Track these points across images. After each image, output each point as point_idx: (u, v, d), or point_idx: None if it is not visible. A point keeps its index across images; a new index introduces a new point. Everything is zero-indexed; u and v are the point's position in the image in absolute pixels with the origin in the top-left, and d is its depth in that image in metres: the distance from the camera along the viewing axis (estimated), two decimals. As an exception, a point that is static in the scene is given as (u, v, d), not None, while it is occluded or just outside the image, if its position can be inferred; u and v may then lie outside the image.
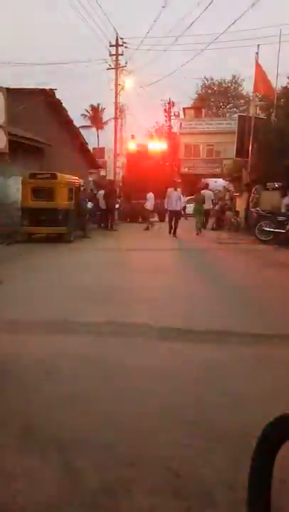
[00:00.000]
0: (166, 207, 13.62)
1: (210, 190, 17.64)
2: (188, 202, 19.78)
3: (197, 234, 13.92)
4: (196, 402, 2.67)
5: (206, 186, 17.79)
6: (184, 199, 23.00)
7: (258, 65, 14.76)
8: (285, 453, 0.74)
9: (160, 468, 1.99)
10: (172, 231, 13.09)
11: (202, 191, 16.00)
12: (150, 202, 16.07)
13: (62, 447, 2.15)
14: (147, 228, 15.56)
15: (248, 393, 2.80)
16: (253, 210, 13.23)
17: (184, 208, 22.73)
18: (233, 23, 32.66)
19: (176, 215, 13.24)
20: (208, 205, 15.89)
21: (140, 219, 19.39)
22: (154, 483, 1.89)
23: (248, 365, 3.33)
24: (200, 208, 14.76)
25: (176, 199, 13.20)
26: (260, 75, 14.91)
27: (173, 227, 13.07)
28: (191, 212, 17.10)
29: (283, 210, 12.53)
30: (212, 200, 16.86)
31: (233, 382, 2.97)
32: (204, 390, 2.87)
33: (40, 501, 1.78)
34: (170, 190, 13.46)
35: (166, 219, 14.48)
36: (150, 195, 16.18)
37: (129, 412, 2.53)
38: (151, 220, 16.38)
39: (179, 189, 13.88)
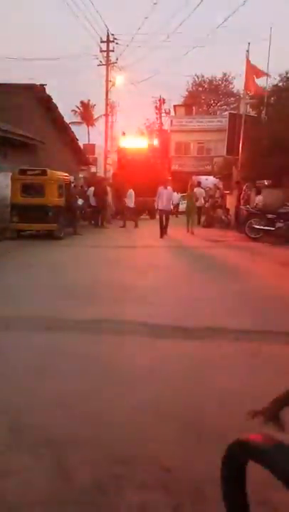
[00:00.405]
0: (156, 206, 13.17)
1: (201, 187, 17.84)
2: (182, 199, 19.90)
3: (188, 231, 13.65)
4: (188, 399, 2.69)
5: (199, 184, 17.92)
6: (178, 196, 23.20)
7: (248, 63, 14.82)
8: (263, 474, 0.74)
9: (151, 465, 2.00)
10: (162, 231, 12.46)
11: (195, 189, 16.04)
12: (130, 199, 16.08)
13: (54, 445, 2.14)
14: (123, 226, 15.61)
15: (240, 390, 2.82)
16: (243, 207, 13.33)
17: (178, 205, 22.96)
18: (224, 21, 32.54)
19: (167, 214, 12.70)
20: (200, 203, 16.20)
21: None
22: (145, 480, 1.90)
23: (240, 362, 3.36)
24: (192, 206, 14.39)
25: (167, 197, 12.74)
26: (251, 71, 14.96)
27: (164, 226, 12.55)
28: (184, 210, 17.13)
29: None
30: (203, 198, 17.10)
31: (226, 379, 2.99)
32: (196, 387, 2.89)
33: (32, 499, 1.77)
34: (161, 188, 12.79)
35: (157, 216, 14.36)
36: (130, 193, 16.21)
37: (120, 410, 2.53)
38: (140, 217, 16.43)
39: (169, 187, 13.11)
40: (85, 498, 1.78)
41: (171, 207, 13.15)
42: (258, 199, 13.69)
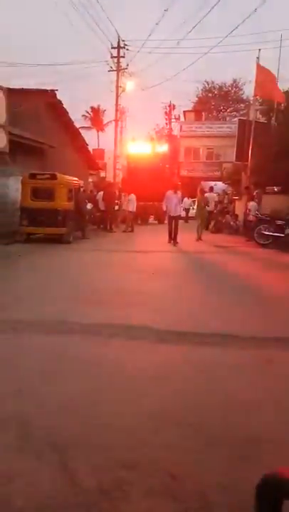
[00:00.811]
0: (164, 209, 12.70)
1: (213, 192, 17.94)
2: (193, 204, 19.80)
3: (197, 240, 12.85)
4: (195, 405, 2.68)
5: (211, 189, 17.96)
6: (189, 201, 23.15)
7: (259, 69, 14.81)
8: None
9: (157, 471, 1.99)
10: (172, 238, 11.89)
11: (206, 194, 15.96)
12: (132, 204, 16.18)
13: (60, 449, 2.15)
14: (125, 230, 15.74)
15: (246, 397, 2.81)
16: (252, 213, 13.27)
17: (188, 210, 22.60)
18: (235, 28, 32.74)
19: (176, 220, 12.02)
20: (211, 208, 16.10)
21: (139, 221, 19.43)
22: (151, 485, 1.89)
23: (248, 368, 3.33)
24: (202, 212, 13.67)
25: (177, 203, 12.09)
26: (267, 78, 14.85)
27: (173, 233, 11.92)
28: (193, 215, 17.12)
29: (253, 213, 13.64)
30: (214, 202, 17.10)
31: (232, 385, 2.97)
32: (203, 392, 2.87)
33: (38, 502, 1.77)
34: (169, 192, 12.05)
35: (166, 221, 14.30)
36: (132, 197, 16.34)
37: (127, 414, 2.53)
38: (149, 221, 16.49)
39: (179, 192, 12.37)
40: (90, 503, 1.78)
41: (181, 213, 12.86)
42: (251, 205, 13.81)
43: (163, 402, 2.68)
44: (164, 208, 12.57)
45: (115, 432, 2.34)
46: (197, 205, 14.09)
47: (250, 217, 13.73)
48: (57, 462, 2.04)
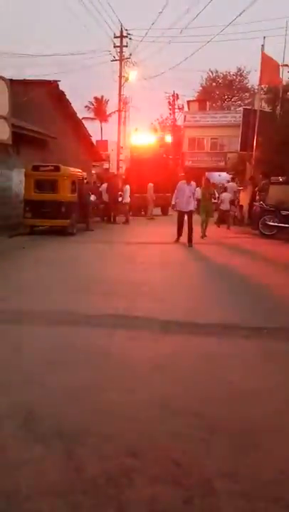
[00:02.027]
0: (173, 203, 10.34)
1: (213, 183, 17.50)
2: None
3: (202, 237, 11.22)
4: (198, 394, 2.69)
5: (233, 179, 17.57)
6: (200, 191, 21.25)
7: (264, 58, 14.62)
8: None
9: (162, 458, 2.01)
10: (180, 236, 10.10)
11: (227, 184, 15.50)
12: (126, 195, 16.16)
13: (65, 437, 2.17)
14: (124, 222, 15.62)
15: (250, 386, 2.82)
16: (256, 204, 13.19)
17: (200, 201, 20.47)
18: (239, 15, 32.23)
19: (189, 216, 9.90)
20: (232, 197, 15.17)
21: (142, 212, 19.39)
22: (156, 473, 1.91)
23: (251, 358, 3.34)
24: (208, 204, 12.13)
25: (189, 195, 9.90)
26: (270, 64, 14.68)
27: (182, 231, 10.06)
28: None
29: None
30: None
31: (236, 375, 2.99)
32: (206, 382, 2.89)
33: (44, 489, 1.80)
34: (181, 183, 10.04)
35: (169, 214, 14.03)
36: (127, 188, 16.31)
37: (132, 403, 2.55)
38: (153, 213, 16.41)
39: (193, 182, 10.09)
40: (95, 489, 1.80)
41: (194, 206, 10.17)
42: (224, 196, 13.95)
43: (167, 391, 2.70)
44: (173, 202, 10.27)
45: (120, 420, 2.36)
46: (202, 197, 12.23)
47: (223, 207, 14.34)
48: (63, 450, 2.07)
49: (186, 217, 9.94)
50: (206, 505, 1.72)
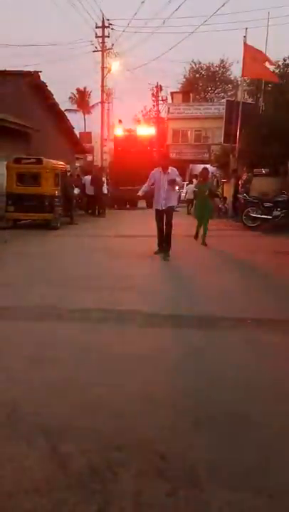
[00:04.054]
0: (139, 193, 7.89)
1: (215, 175, 17.28)
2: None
3: (196, 238, 9.26)
4: (183, 387, 2.70)
5: (235, 172, 17.40)
6: (190, 186, 20.52)
7: (246, 49, 14.60)
8: None
9: (147, 451, 2.02)
10: (162, 243, 7.48)
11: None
12: (104, 187, 16.41)
13: (49, 433, 2.15)
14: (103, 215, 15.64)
15: (234, 377, 2.84)
16: (240, 196, 13.28)
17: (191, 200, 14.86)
18: (222, 6, 32.08)
19: (168, 214, 7.33)
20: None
21: (128, 205, 19.33)
22: (141, 466, 1.91)
23: (236, 350, 3.37)
24: (205, 203, 9.18)
25: (168, 189, 7.20)
26: (256, 56, 14.61)
27: (166, 235, 7.38)
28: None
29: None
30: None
31: (221, 367, 3.01)
32: (191, 374, 2.90)
33: (28, 487, 1.78)
34: (156, 171, 7.35)
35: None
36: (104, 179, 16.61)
37: (115, 397, 2.55)
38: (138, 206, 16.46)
39: (173, 169, 7.29)
40: (80, 485, 1.79)
41: (175, 202, 7.83)
42: (187, 188, 13.63)
43: (152, 385, 2.70)
44: (140, 192, 7.78)
45: (104, 414, 2.36)
46: (198, 194, 9.55)
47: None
48: (47, 446, 2.05)
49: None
50: (191, 496, 1.73)
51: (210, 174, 11.01)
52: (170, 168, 7.24)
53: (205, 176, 9.45)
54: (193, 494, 1.74)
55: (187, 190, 17.38)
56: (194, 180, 15.37)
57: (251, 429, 2.23)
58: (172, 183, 7.15)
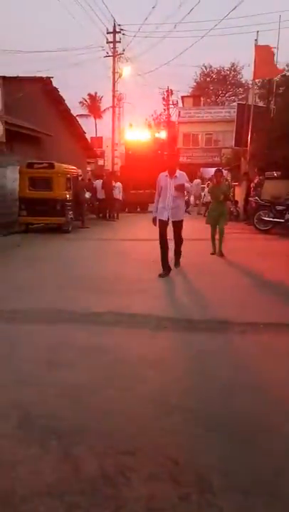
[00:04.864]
0: (153, 215, 6.29)
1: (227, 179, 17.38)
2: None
3: (214, 253, 7.99)
4: (195, 391, 2.69)
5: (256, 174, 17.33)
6: (197, 188, 18.88)
7: (258, 51, 14.55)
8: None
9: (159, 456, 2.01)
10: (166, 263, 6.13)
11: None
12: (118, 191, 16.45)
13: (62, 436, 2.16)
14: (113, 219, 15.74)
15: (246, 382, 2.82)
16: (251, 199, 13.19)
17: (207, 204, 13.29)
18: (233, 9, 32.02)
19: (177, 228, 6.25)
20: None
21: (138, 209, 19.38)
22: (153, 471, 1.91)
23: (247, 354, 3.34)
24: (220, 208, 8.02)
25: (176, 195, 5.97)
26: (267, 55, 14.51)
27: (167, 252, 6.16)
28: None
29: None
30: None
31: (233, 371, 2.99)
32: (203, 378, 2.89)
33: (40, 490, 1.79)
34: (161, 176, 6.12)
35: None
36: (118, 184, 16.63)
37: (128, 401, 2.55)
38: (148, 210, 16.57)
39: (181, 173, 6.18)
40: (93, 489, 1.79)
41: (183, 214, 6.40)
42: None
43: (163, 389, 2.70)
44: (153, 212, 6.35)
45: (116, 418, 2.36)
46: (212, 199, 8.42)
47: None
48: (59, 450, 2.06)
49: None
50: (204, 501, 1.72)
51: (223, 176, 9.99)
52: (178, 171, 6.08)
53: (218, 179, 8.32)
54: (206, 499, 1.73)
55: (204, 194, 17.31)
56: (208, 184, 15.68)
57: (265, 435, 2.21)
58: (180, 188, 5.96)
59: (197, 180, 18.88)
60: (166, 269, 6.10)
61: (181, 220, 6.31)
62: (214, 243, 8.12)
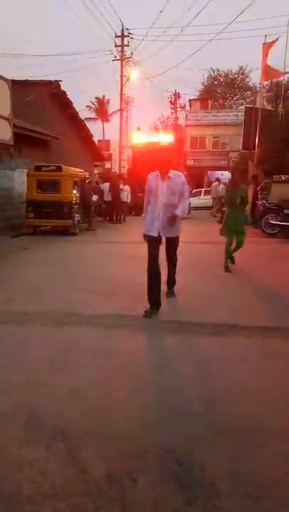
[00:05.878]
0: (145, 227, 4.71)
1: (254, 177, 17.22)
2: (194, 195, 19.03)
3: (227, 270, 6.77)
4: (202, 394, 2.68)
5: (217, 180, 17.67)
6: (188, 197, 20.49)
7: (265, 54, 14.55)
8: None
9: (165, 459, 2.00)
10: (154, 296, 4.50)
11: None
12: (125, 194, 16.54)
13: (68, 438, 2.17)
14: (120, 222, 15.84)
15: (253, 386, 2.80)
16: (259, 202, 13.14)
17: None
18: (241, 13, 32.09)
19: (171, 245, 4.94)
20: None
21: (133, 212, 19.44)
22: (159, 474, 1.90)
23: (255, 358, 3.33)
24: (236, 213, 6.90)
25: (169, 202, 4.42)
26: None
27: (158, 289, 4.56)
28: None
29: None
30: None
31: (240, 375, 2.97)
32: (210, 382, 2.88)
33: (46, 491, 1.80)
34: (151, 176, 4.56)
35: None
36: (127, 187, 16.69)
37: (135, 403, 2.54)
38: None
39: (176, 173, 4.55)
40: (99, 491, 1.79)
41: (179, 229, 4.83)
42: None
43: (170, 392, 2.69)
44: (145, 229, 4.72)
45: (123, 420, 2.36)
46: (227, 204, 7.20)
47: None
48: (66, 451, 2.06)
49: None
50: (210, 505, 1.71)
51: (222, 181, 9.92)
52: (172, 171, 4.48)
53: (235, 181, 7.04)
54: (213, 503, 1.72)
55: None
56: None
57: (272, 440, 2.19)
58: (172, 220, 4.45)
59: (216, 183, 18.69)
60: (154, 304, 4.44)
61: (177, 237, 4.83)
62: (230, 252, 6.97)
